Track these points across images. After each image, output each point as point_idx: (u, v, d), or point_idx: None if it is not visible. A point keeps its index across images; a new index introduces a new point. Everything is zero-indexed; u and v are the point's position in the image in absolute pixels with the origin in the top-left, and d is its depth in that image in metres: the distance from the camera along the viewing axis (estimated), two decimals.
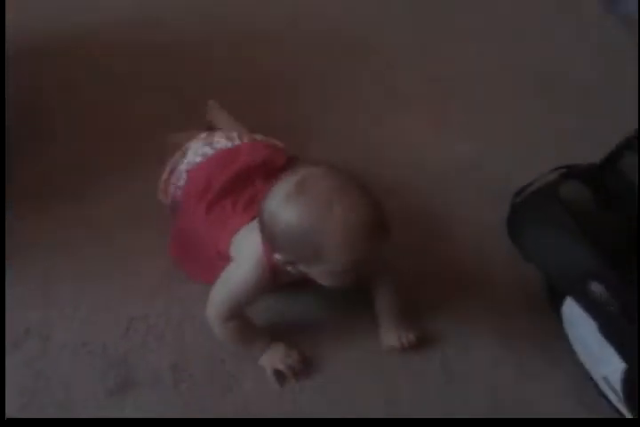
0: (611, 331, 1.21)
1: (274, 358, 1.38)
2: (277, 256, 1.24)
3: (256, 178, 1.44)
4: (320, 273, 1.24)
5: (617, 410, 1.31)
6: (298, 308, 1.46)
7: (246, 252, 1.33)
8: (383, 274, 1.42)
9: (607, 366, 1.26)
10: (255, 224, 1.29)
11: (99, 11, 2.08)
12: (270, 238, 1.23)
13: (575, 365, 1.38)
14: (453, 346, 1.43)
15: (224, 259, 1.37)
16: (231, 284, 1.33)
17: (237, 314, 1.34)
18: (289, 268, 1.26)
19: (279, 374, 1.37)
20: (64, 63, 1.90)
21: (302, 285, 1.34)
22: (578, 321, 1.31)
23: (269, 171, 1.44)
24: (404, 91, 1.97)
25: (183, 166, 1.52)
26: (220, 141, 1.52)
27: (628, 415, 1.27)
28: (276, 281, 1.32)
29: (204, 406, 1.33)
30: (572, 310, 1.32)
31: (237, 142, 1.52)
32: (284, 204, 1.19)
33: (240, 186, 1.43)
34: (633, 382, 1.19)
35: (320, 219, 1.16)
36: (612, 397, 1.30)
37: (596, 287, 1.20)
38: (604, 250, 1.23)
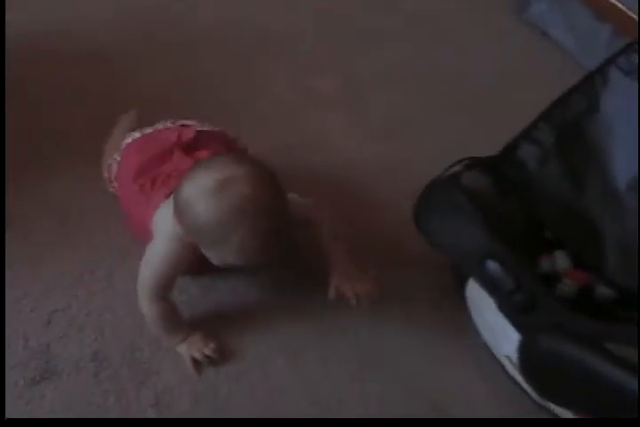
0: (507, 306, 1.28)
1: (192, 346, 1.42)
2: (180, 231, 1.31)
3: (173, 153, 1.48)
4: (214, 258, 1.32)
5: (521, 388, 1.37)
6: (217, 296, 1.52)
7: (162, 228, 1.38)
8: (315, 219, 1.49)
9: (508, 344, 1.32)
10: (171, 201, 1.34)
11: None
12: (179, 217, 1.30)
13: (481, 347, 1.44)
14: (365, 333, 1.49)
15: (149, 236, 1.42)
16: (151, 261, 1.38)
17: (163, 294, 1.39)
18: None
19: (196, 362, 1.41)
20: None
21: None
22: (480, 302, 1.37)
23: (183, 145, 1.49)
24: (321, 91, 2.03)
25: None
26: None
27: (529, 390, 1.33)
28: (197, 257, 1.36)
29: (123, 393, 1.36)
30: (474, 292, 1.39)
31: (160, 127, 1.58)
32: (200, 197, 1.25)
33: (159, 163, 1.47)
34: (527, 354, 1.26)
35: (227, 225, 1.24)
36: (514, 374, 1.37)
37: (492, 266, 1.27)
38: (501, 232, 1.30)
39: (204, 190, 1.25)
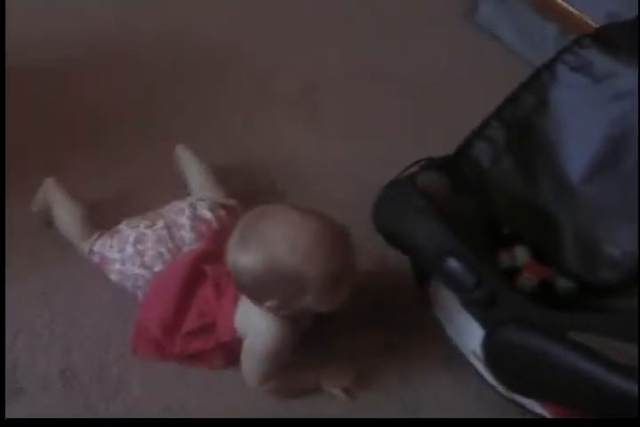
0: (469, 302, 1.29)
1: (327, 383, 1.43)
2: (268, 304, 1.28)
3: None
4: (317, 300, 1.28)
5: (489, 383, 1.39)
6: None
7: (257, 323, 1.33)
8: None
9: (473, 339, 1.33)
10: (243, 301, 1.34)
11: None
12: (252, 291, 1.29)
13: (448, 345, 1.45)
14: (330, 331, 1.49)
15: (232, 342, 1.38)
16: (263, 356, 1.34)
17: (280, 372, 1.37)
18: (284, 311, 1.29)
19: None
20: None
21: None
22: (443, 299, 1.39)
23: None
24: (276, 94, 2.02)
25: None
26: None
27: (496, 384, 1.34)
28: (297, 329, 1.35)
29: (92, 409, 1.36)
30: (437, 289, 1.40)
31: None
32: (241, 255, 1.26)
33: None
34: (490, 348, 1.28)
35: (276, 254, 1.23)
36: (481, 370, 1.38)
37: (452, 263, 1.28)
38: (459, 230, 1.32)
39: (237, 247, 1.27)
